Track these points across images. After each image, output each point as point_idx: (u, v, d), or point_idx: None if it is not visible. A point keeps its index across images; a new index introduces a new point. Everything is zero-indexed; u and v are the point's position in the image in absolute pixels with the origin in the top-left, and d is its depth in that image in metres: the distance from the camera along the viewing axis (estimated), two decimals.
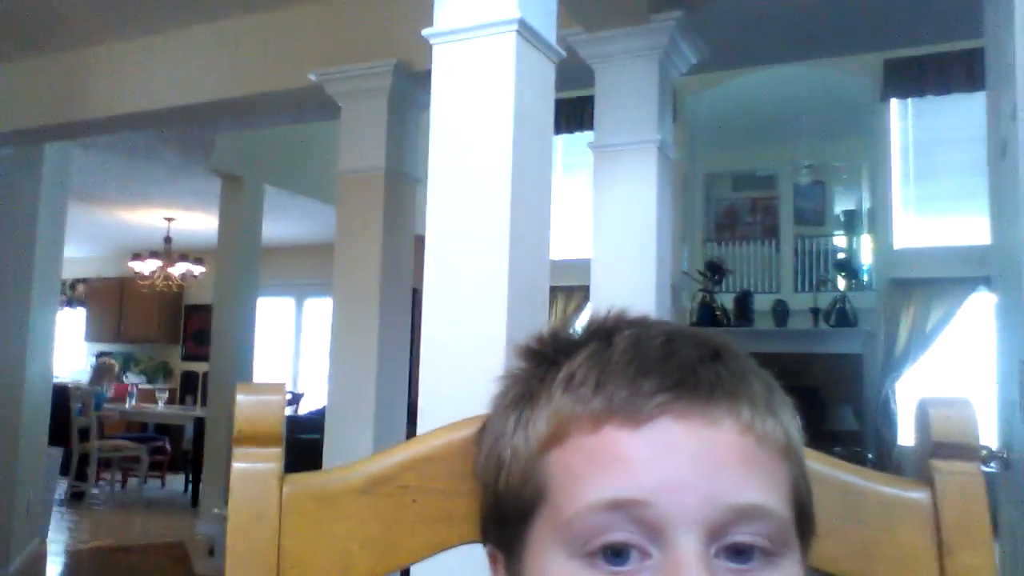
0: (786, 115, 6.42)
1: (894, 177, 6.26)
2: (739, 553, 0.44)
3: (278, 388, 0.56)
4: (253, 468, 0.55)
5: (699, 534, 0.43)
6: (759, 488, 0.44)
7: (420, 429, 1.88)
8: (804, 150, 6.55)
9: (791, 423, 0.48)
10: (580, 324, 0.54)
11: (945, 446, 0.58)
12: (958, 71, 5.63)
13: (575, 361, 0.48)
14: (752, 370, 0.48)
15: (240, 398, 0.55)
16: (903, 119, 6.32)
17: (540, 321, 2.11)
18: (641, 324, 0.50)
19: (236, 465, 0.54)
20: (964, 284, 5.69)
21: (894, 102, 6.25)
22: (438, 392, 1.89)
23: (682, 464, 0.44)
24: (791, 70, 5.67)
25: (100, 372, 7.96)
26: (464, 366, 1.88)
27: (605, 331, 0.49)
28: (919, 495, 0.58)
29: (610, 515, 0.43)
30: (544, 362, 0.50)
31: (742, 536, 0.43)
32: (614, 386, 0.45)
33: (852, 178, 6.65)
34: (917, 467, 0.61)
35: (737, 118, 6.62)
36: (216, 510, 5.24)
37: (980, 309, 5.63)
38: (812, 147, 6.52)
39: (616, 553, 0.43)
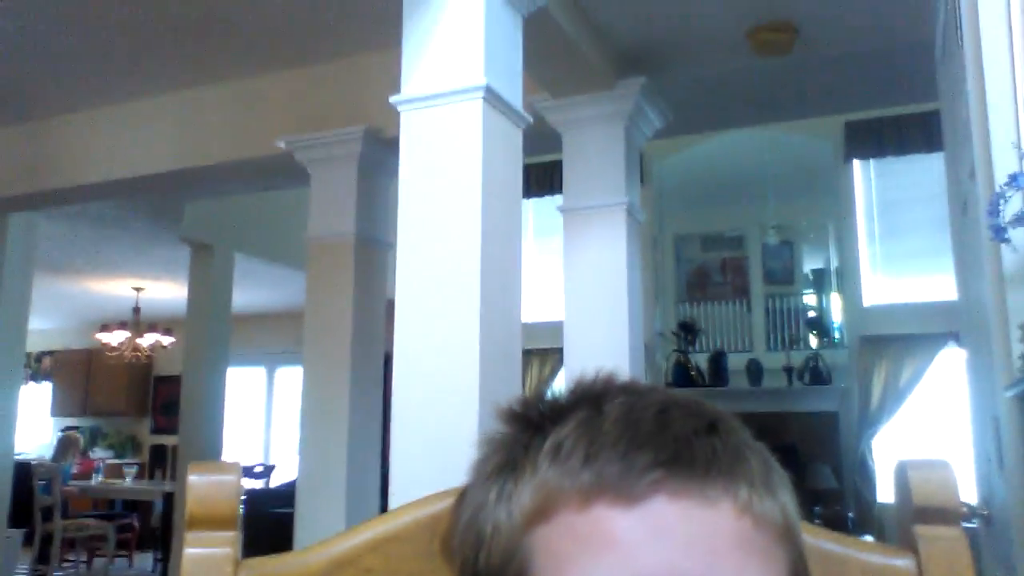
0: (752, 177, 6.54)
1: (860, 236, 6.36)
2: None
3: (233, 467, 0.53)
4: (206, 554, 0.51)
5: None
6: None
7: (392, 499, 1.83)
8: (771, 210, 6.66)
9: (789, 501, 0.46)
10: (557, 387, 0.51)
11: (927, 510, 0.57)
12: (916, 133, 5.79)
13: (563, 430, 0.45)
14: (748, 444, 0.46)
15: (192, 479, 0.52)
16: (866, 179, 6.47)
17: (514, 384, 2.08)
18: (633, 391, 0.47)
19: (188, 551, 0.51)
20: (935, 340, 5.75)
21: (857, 163, 6.40)
22: (410, 460, 1.84)
23: (677, 551, 0.41)
24: (755, 133, 5.80)
25: (64, 446, 7.74)
26: (437, 433, 1.84)
27: (594, 396, 0.47)
28: (903, 562, 0.57)
29: None
30: (529, 428, 0.47)
31: None
32: (605, 460, 0.43)
33: (819, 237, 6.76)
34: (899, 532, 0.59)
35: (704, 181, 6.74)
36: None
37: (951, 364, 5.68)
38: (779, 208, 6.63)
39: None
